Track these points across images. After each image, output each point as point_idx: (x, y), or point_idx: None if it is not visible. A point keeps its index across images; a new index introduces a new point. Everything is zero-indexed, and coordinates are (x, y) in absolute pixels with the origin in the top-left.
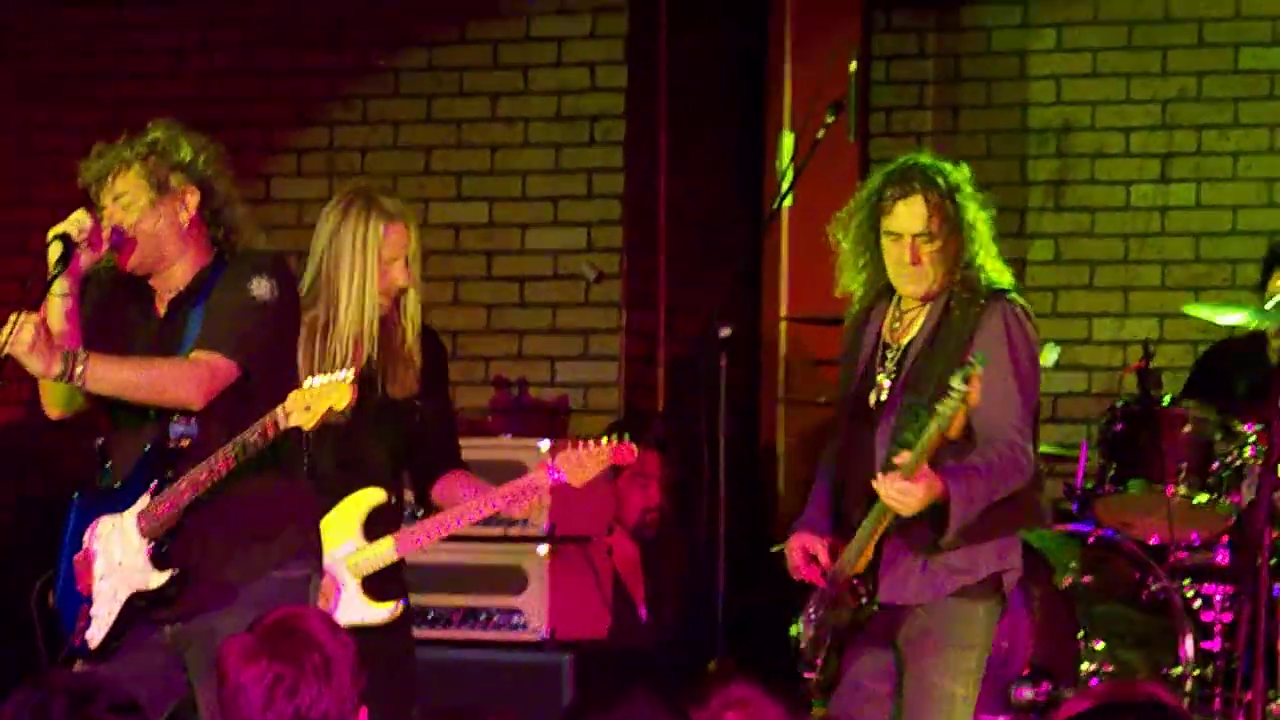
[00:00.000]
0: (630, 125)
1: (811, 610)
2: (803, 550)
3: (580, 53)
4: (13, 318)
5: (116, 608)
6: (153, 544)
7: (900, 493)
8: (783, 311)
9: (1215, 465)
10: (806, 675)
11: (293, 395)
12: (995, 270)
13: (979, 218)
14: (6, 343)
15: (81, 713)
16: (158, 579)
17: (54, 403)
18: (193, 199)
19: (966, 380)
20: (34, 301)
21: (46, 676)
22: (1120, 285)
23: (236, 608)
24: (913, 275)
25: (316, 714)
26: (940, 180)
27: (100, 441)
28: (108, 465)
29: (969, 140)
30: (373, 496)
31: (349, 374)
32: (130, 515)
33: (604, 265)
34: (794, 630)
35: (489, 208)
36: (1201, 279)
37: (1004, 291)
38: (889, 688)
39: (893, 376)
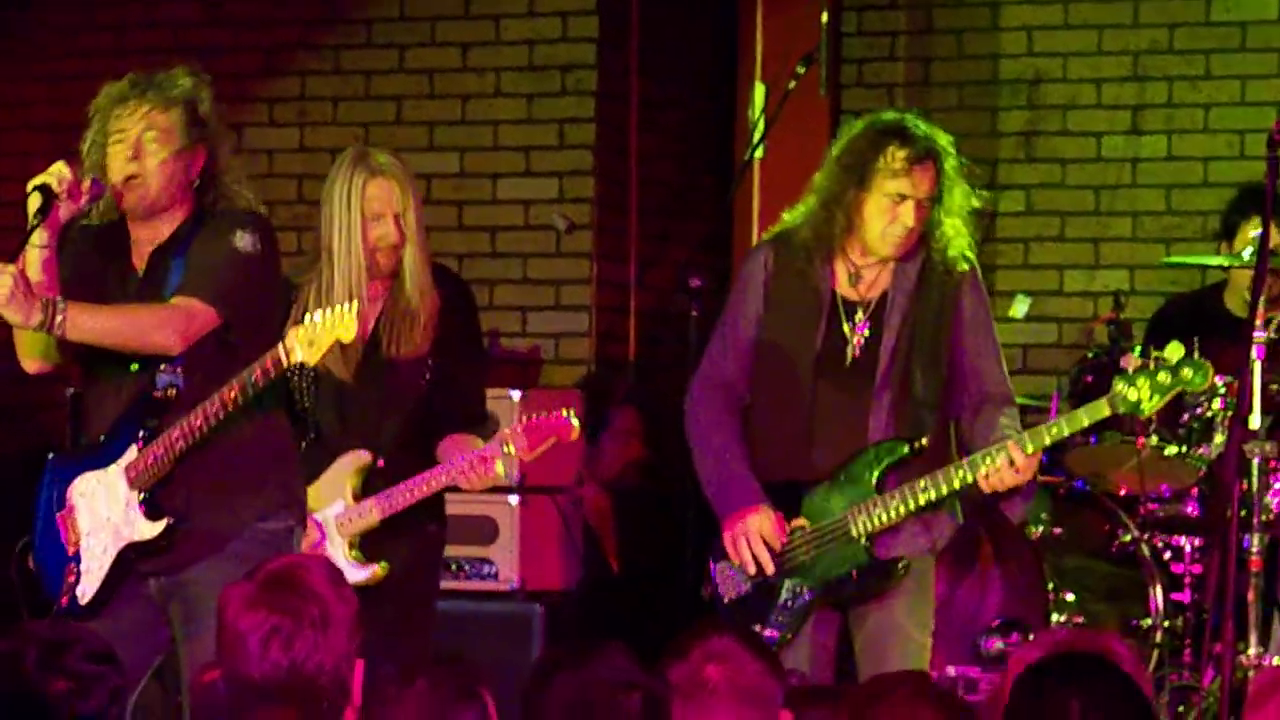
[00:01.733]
0: (602, 75)
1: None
2: (759, 530)
3: (552, 2)
4: None
5: (107, 563)
6: (143, 495)
7: (1019, 474)
8: None
9: (1185, 417)
10: (769, 633)
11: (295, 330)
12: (959, 236)
13: (958, 186)
14: None
15: (55, 662)
16: (151, 529)
17: (30, 355)
18: (201, 159)
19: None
20: (12, 253)
21: (19, 627)
22: (1091, 237)
23: (221, 560)
24: (905, 238)
25: (311, 666)
26: (945, 149)
27: (72, 393)
28: (78, 420)
29: (940, 92)
30: (360, 459)
31: (353, 305)
32: (116, 468)
33: (575, 216)
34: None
35: (460, 158)
36: (1172, 230)
37: (972, 265)
38: (833, 641)
39: (867, 334)
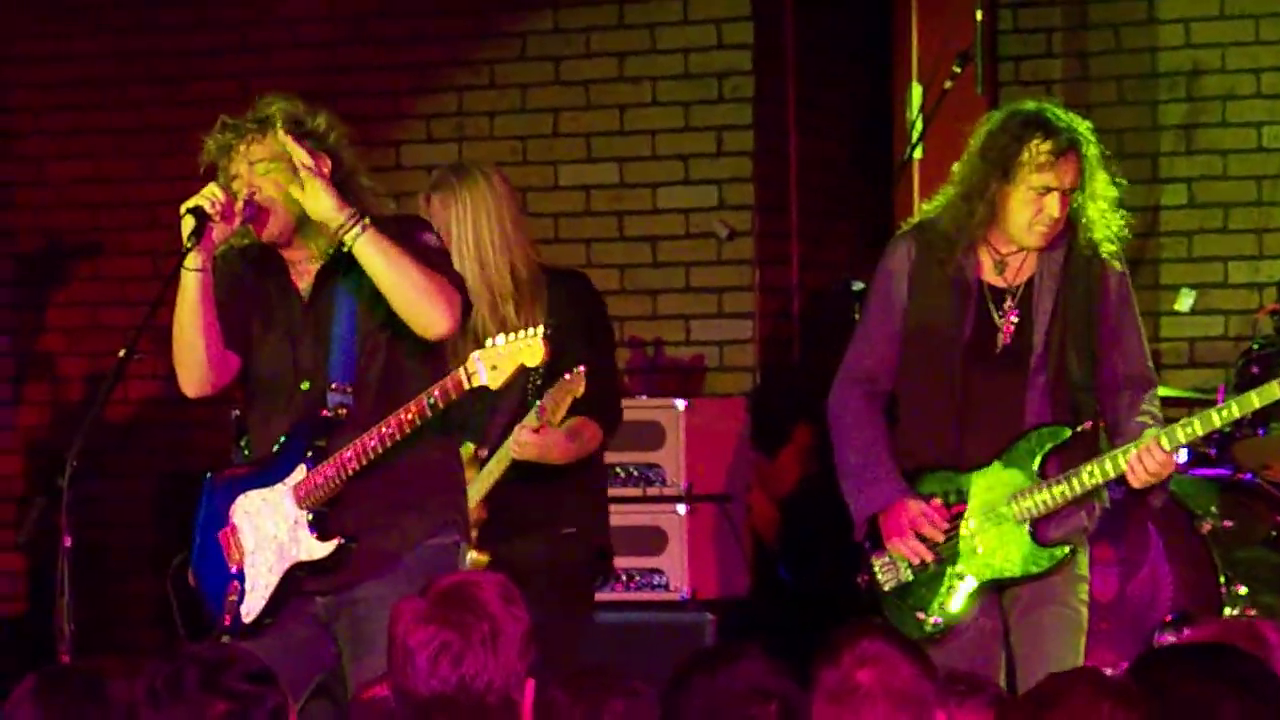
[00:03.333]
0: (758, 81)
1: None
2: (926, 517)
3: (706, 10)
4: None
5: (274, 581)
6: (311, 514)
7: (1163, 466)
8: None
9: None
10: (934, 620)
11: (476, 354)
12: (1104, 220)
13: (1099, 172)
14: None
15: (215, 682)
16: (321, 549)
17: (190, 378)
18: (325, 167)
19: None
20: (167, 277)
21: (179, 648)
22: (1254, 228)
23: (391, 577)
24: (1051, 228)
25: (480, 684)
26: (1085, 136)
27: (236, 415)
28: (244, 440)
29: (1099, 87)
30: (465, 450)
31: (538, 330)
32: (283, 487)
33: (735, 223)
34: (885, 579)
35: (619, 168)
36: None
37: (1117, 247)
38: (999, 625)
39: (1016, 320)
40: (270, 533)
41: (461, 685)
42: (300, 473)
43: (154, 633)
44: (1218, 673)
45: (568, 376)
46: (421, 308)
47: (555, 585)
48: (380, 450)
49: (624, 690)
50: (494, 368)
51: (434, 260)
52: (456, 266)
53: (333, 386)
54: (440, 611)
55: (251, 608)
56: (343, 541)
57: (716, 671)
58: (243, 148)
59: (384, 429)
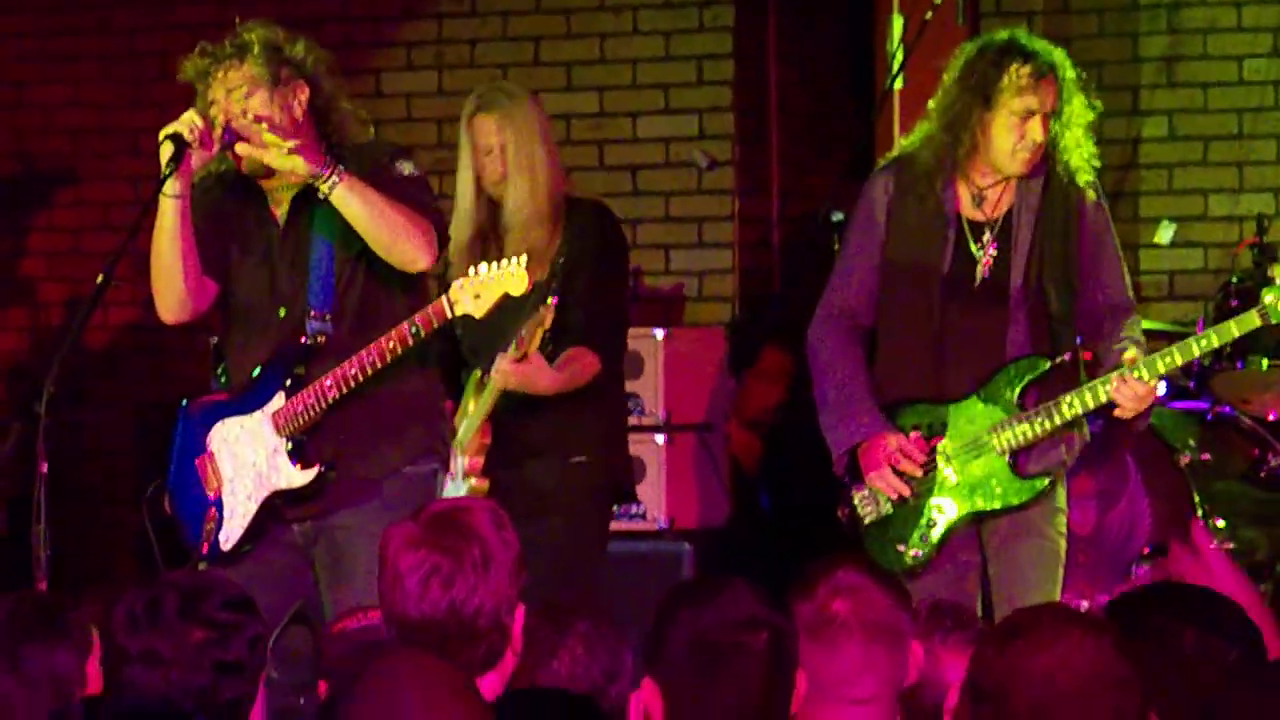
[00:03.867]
0: (739, 10)
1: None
2: (905, 451)
3: None
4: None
5: (252, 508)
6: (291, 442)
7: (1144, 397)
8: None
9: None
10: (914, 553)
11: (459, 283)
12: (1080, 150)
13: (1076, 95)
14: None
15: (194, 610)
16: (300, 477)
17: (168, 304)
18: (303, 94)
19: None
20: (146, 201)
21: (158, 576)
22: (1234, 160)
23: (369, 505)
24: (1035, 152)
25: (470, 608)
26: (1062, 61)
27: (214, 341)
28: (222, 367)
29: (1080, 19)
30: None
31: (521, 259)
32: (262, 414)
33: (716, 152)
34: (865, 513)
35: (599, 97)
36: None
37: (1091, 172)
38: (978, 558)
39: (995, 253)
40: (249, 460)
41: (452, 609)
42: (279, 400)
43: (132, 561)
44: (1181, 606)
45: (540, 309)
46: (397, 248)
47: (564, 513)
48: (360, 378)
49: (589, 613)
50: (477, 296)
51: (409, 193)
52: (511, 183)
53: (311, 314)
54: (431, 536)
55: (230, 535)
56: (322, 469)
57: (703, 603)
58: (220, 74)
59: (364, 356)
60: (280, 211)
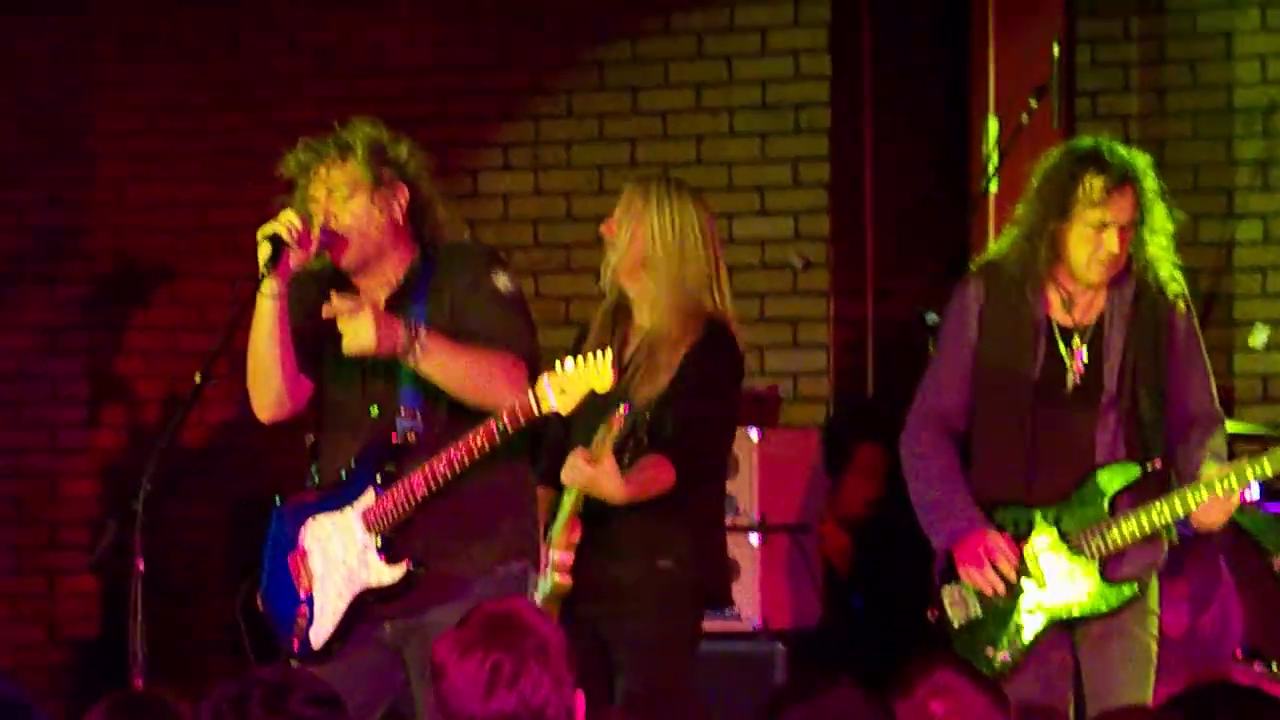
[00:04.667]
0: (835, 113)
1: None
2: (1001, 549)
3: (784, 41)
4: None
5: (342, 606)
6: (380, 539)
7: (1228, 509)
8: None
9: None
10: (1002, 656)
11: (545, 378)
12: (1166, 257)
13: (1157, 206)
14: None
15: (280, 705)
16: (390, 574)
17: (265, 403)
18: (403, 196)
19: None
20: (244, 301)
21: (245, 671)
22: None
23: (460, 603)
24: (1111, 264)
25: (539, 699)
26: (1142, 171)
27: (311, 440)
28: (315, 465)
29: (1175, 122)
30: None
31: (607, 353)
32: (352, 512)
33: (811, 254)
34: (954, 614)
35: None
36: None
37: (1180, 285)
38: (1069, 659)
39: (1086, 359)
40: (339, 557)
41: (521, 702)
42: (369, 497)
43: (224, 658)
44: (1245, 707)
45: (610, 417)
46: (485, 403)
47: (651, 615)
48: (449, 475)
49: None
50: (562, 392)
51: (504, 322)
52: (654, 265)
53: (401, 412)
54: (485, 636)
55: (320, 632)
56: (411, 567)
57: (811, 700)
58: (323, 172)
59: (453, 454)
60: None
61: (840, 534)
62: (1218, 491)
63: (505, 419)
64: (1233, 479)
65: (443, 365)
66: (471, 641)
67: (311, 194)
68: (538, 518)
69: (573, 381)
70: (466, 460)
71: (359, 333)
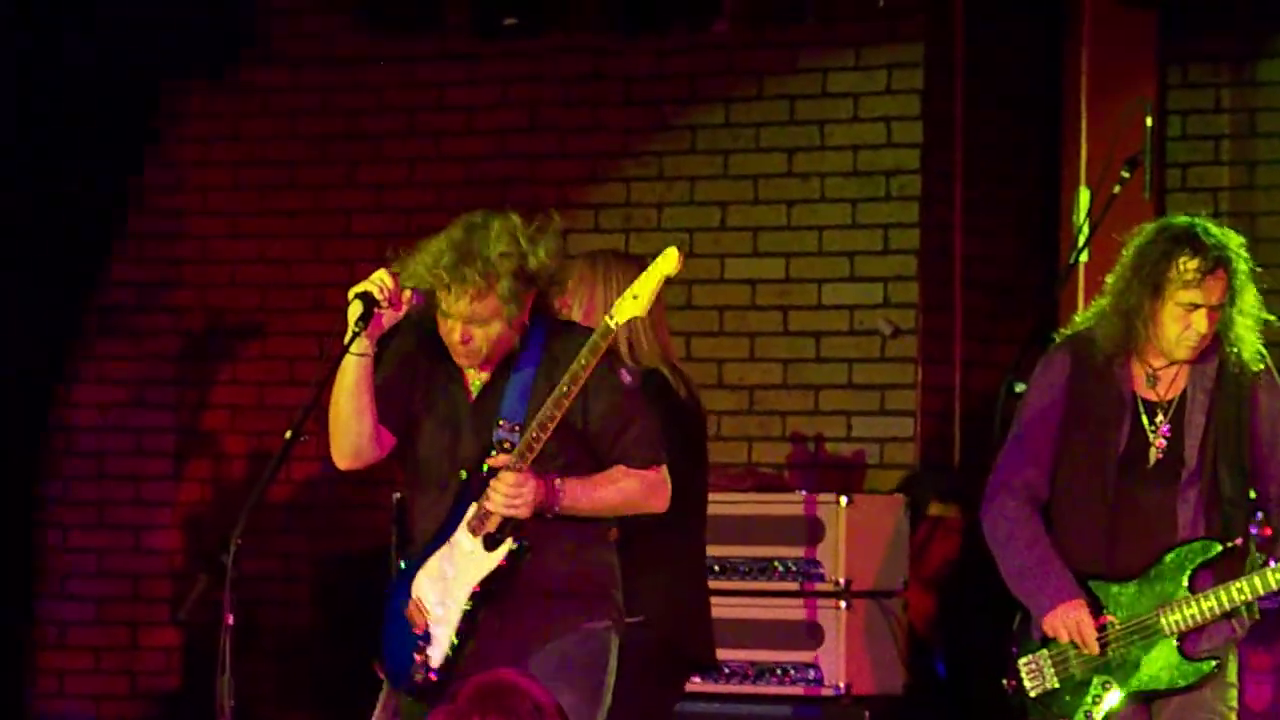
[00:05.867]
0: (926, 180)
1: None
2: (1087, 620)
3: (876, 108)
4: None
5: (456, 617)
6: (484, 539)
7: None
8: None
9: None
10: None
11: (615, 303)
12: (1251, 337)
13: (1248, 288)
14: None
15: None
16: (493, 559)
17: (343, 453)
18: (533, 298)
19: None
20: (334, 359)
21: None
22: None
23: (542, 657)
24: (1201, 342)
25: None
26: (1235, 252)
27: (398, 497)
28: (400, 522)
29: (1265, 196)
30: None
31: (673, 248)
32: (456, 535)
33: (900, 320)
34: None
35: (785, 263)
36: None
37: (1265, 364)
38: None
39: (1169, 434)
40: (450, 574)
41: None
42: (470, 511)
43: (306, 713)
44: None
45: None
46: (635, 512)
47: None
48: (543, 438)
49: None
50: (635, 297)
51: (638, 429)
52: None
53: (500, 424)
54: (479, 706)
55: (435, 653)
56: (514, 546)
57: None
58: (467, 295)
59: (554, 405)
60: (473, 378)
61: (925, 599)
62: None
63: (588, 354)
64: None
65: (586, 510)
66: (466, 712)
67: (446, 308)
68: (620, 579)
69: (643, 284)
70: (557, 416)
71: (515, 502)
